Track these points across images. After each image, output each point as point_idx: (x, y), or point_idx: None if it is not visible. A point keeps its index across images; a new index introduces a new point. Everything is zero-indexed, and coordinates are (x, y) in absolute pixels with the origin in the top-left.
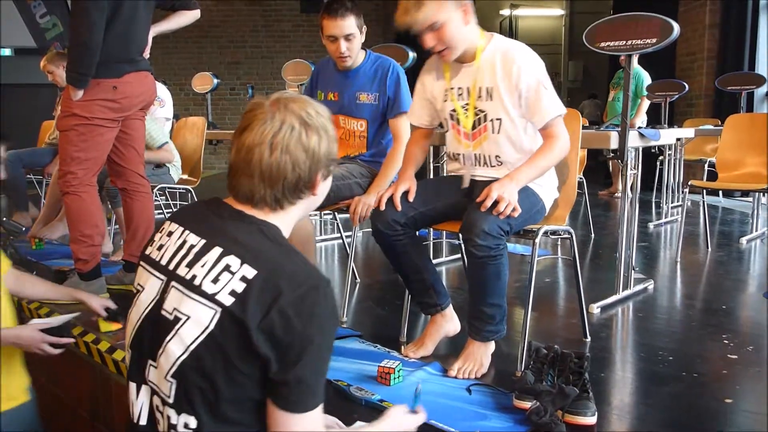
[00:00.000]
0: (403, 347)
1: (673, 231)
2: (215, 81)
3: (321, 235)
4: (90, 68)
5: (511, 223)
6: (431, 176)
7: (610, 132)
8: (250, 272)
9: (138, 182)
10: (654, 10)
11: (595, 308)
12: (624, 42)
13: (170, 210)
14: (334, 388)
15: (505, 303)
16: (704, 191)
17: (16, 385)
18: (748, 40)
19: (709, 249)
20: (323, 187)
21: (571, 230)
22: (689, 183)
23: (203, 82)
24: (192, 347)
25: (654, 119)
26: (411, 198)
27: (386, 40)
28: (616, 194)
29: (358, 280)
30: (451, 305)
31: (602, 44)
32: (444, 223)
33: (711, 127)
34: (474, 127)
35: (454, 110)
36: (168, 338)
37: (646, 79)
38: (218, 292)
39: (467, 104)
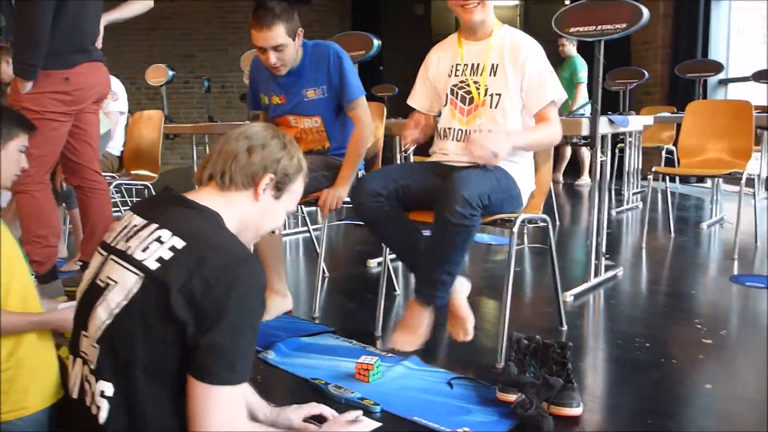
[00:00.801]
0: (380, 341)
1: (635, 217)
2: (170, 73)
3: (286, 229)
4: (38, 59)
5: (491, 197)
6: None
7: (580, 119)
8: (179, 243)
9: (94, 179)
10: None
11: (569, 296)
12: (594, 27)
13: (127, 207)
14: (312, 387)
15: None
16: (667, 178)
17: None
18: (701, 30)
19: (672, 234)
20: (267, 198)
21: (547, 218)
22: (653, 169)
23: (157, 75)
24: (116, 311)
25: (613, 107)
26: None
27: (343, 29)
28: (578, 182)
29: (326, 274)
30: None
31: (572, 29)
32: (419, 211)
33: (669, 114)
34: (471, 102)
35: (455, 85)
36: (97, 303)
37: (582, 67)
38: (146, 258)
39: (478, 82)
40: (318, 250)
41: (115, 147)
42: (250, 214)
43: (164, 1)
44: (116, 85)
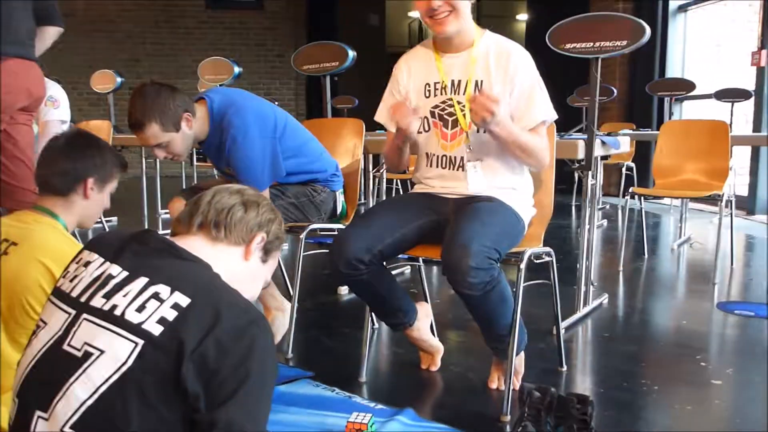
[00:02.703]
0: (365, 387)
1: (601, 237)
2: (118, 80)
3: None
4: None
5: (499, 249)
6: (370, 186)
7: (576, 141)
8: (183, 300)
9: (31, 201)
10: (567, 16)
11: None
12: (591, 44)
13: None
14: None
15: (518, 315)
16: (641, 198)
17: None
18: (658, 46)
19: (646, 256)
20: (256, 260)
21: (552, 251)
22: (630, 190)
23: (104, 81)
24: (102, 389)
25: (574, 124)
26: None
27: (297, 38)
28: None
29: (296, 304)
30: (416, 317)
31: (568, 46)
32: (418, 247)
33: (645, 132)
34: (456, 125)
35: (436, 106)
36: (72, 379)
37: None
38: (144, 321)
39: (461, 102)
40: (284, 276)
41: None
42: (237, 273)
43: (107, 2)
44: (56, 91)
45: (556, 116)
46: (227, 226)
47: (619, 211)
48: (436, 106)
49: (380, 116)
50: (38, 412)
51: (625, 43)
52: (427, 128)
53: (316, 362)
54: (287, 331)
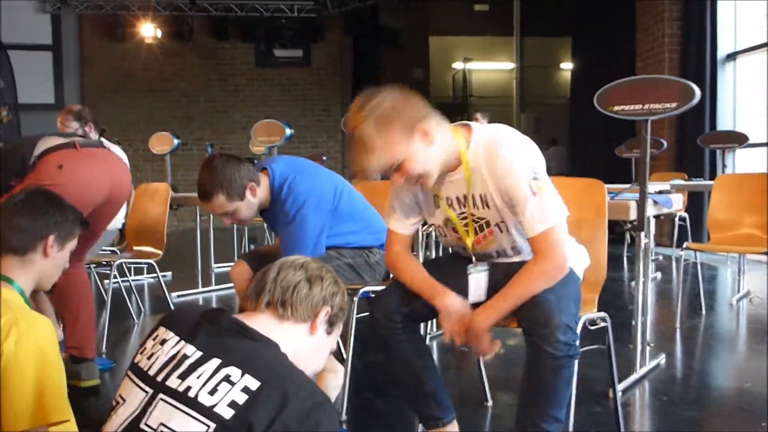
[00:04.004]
0: None
1: (656, 290)
2: (175, 141)
3: None
4: None
5: (576, 319)
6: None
7: (628, 203)
8: (253, 383)
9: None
10: (613, 65)
11: (617, 392)
12: (641, 106)
13: (126, 285)
14: None
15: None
16: (696, 253)
17: None
18: (708, 95)
19: (703, 312)
20: (321, 333)
21: (608, 317)
22: (685, 245)
23: (162, 143)
24: None
25: (623, 176)
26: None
27: (343, 93)
28: None
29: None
30: (455, 422)
31: (617, 108)
32: None
33: (697, 182)
34: (476, 234)
35: (448, 219)
36: None
37: None
38: (216, 404)
39: (464, 213)
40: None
41: (116, 220)
42: (304, 350)
43: (163, 63)
44: (119, 153)
45: (560, 218)
46: (293, 304)
47: (673, 263)
48: (448, 218)
49: (394, 223)
50: None
51: (674, 105)
52: (444, 235)
53: (368, 426)
54: (340, 393)
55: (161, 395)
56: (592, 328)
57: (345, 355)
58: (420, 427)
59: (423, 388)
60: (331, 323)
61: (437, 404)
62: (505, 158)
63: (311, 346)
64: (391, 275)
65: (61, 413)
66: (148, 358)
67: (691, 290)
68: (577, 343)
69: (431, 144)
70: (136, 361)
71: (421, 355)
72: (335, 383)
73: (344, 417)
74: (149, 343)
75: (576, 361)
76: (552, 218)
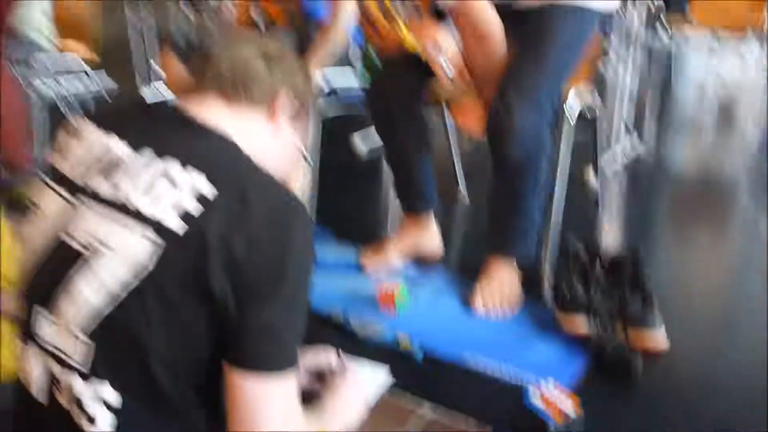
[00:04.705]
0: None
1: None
2: None
3: None
4: None
5: (552, 97)
6: None
7: None
8: (204, 185)
9: None
10: None
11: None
12: None
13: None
14: (329, 322)
15: (540, 215)
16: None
17: None
18: None
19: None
20: (284, 124)
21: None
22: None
23: None
24: (121, 296)
25: None
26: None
27: None
28: None
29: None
30: (432, 215)
31: None
32: None
33: None
34: None
35: None
36: (72, 273)
37: None
38: (161, 213)
39: None
40: None
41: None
42: (265, 146)
43: None
44: None
45: None
46: (245, 83)
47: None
48: None
49: None
50: (41, 310)
51: None
52: None
53: (335, 221)
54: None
55: (87, 202)
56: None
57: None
58: (388, 217)
59: (413, 180)
60: (294, 112)
61: (421, 196)
62: None
63: (273, 141)
64: None
65: None
66: (67, 159)
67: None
68: (542, 143)
69: None
70: (51, 161)
71: (418, 143)
72: (303, 184)
73: (312, 218)
74: (67, 140)
75: (541, 163)
76: None
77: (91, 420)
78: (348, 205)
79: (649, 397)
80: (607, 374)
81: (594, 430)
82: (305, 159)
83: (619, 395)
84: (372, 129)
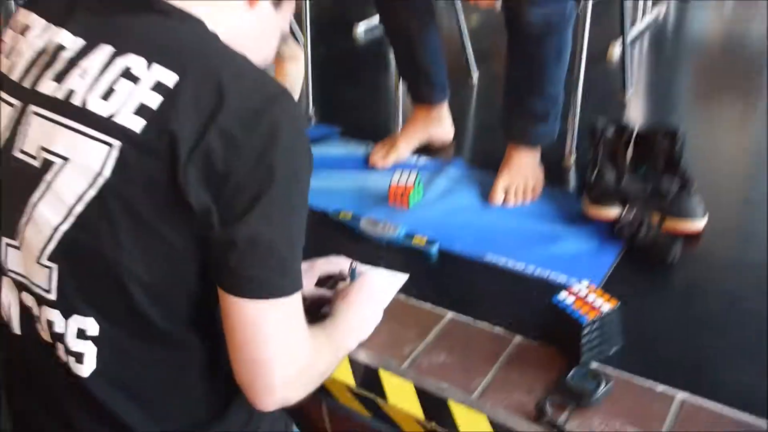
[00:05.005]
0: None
1: None
2: None
3: None
4: None
5: None
6: None
7: None
8: (167, 76)
9: None
10: None
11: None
12: None
13: None
14: (337, 222)
15: (563, 95)
16: None
17: None
18: None
19: None
20: (266, 9)
21: None
22: None
23: None
24: (78, 209)
25: None
26: None
27: None
28: None
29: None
30: (446, 104)
31: None
32: None
33: None
34: None
35: None
36: (35, 198)
37: None
38: (116, 111)
39: None
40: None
41: None
42: (243, 30)
43: None
44: None
45: None
46: None
47: None
48: None
49: None
50: (5, 240)
51: None
52: None
53: (340, 118)
54: (304, 84)
55: (33, 107)
56: None
57: (301, 38)
58: (399, 110)
59: (420, 64)
60: None
61: (431, 82)
62: None
63: (253, 25)
64: None
65: None
66: (8, 56)
67: None
68: (566, 9)
69: None
70: None
71: (424, 27)
72: (297, 73)
73: (311, 111)
74: (7, 35)
75: (566, 32)
76: None
77: (75, 355)
78: (354, 99)
79: (687, 286)
80: (641, 262)
81: (629, 323)
82: (296, 40)
83: (656, 284)
84: (376, 17)
